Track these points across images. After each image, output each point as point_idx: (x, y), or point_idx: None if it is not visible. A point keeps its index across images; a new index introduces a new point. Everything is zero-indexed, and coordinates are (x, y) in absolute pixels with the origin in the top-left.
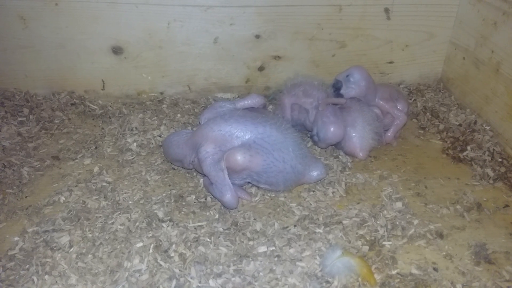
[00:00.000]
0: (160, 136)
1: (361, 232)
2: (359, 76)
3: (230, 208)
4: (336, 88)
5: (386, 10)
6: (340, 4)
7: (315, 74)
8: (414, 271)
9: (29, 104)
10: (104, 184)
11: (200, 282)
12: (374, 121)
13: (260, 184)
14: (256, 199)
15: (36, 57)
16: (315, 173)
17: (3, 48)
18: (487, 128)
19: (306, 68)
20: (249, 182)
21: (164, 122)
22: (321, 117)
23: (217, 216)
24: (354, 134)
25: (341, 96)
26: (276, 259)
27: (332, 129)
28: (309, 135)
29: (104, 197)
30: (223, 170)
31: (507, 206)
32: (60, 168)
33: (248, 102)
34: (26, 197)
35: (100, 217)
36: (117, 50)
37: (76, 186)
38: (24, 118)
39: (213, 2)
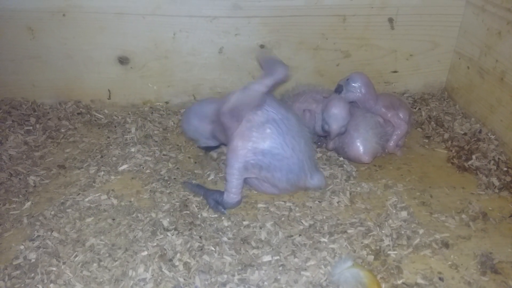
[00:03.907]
0: None
1: (366, 241)
2: (359, 81)
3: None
4: (337, 92)
5: (390, 20)
6: (344, 14)
7: (320, 84)
8: (420, 280)
9: (36, 113)
10: (110, 193)
11: None
12: (377, 126)
13: (262, 172)
14: (261, 206)
15: (43, 67)
16: (315, 179)
17: (11, 58)
18: (492, 137)
19: (310, 77)
20: (249, 185)
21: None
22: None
23: (222, 225)
24: (357, 138)
25: None
26: (280, 268)
27: (333, 105)
28: (319, 141)
29: (110, 206)
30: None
31: None
32: (66, 177)
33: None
34: (32, 205)
35: (105, 225)
36: (123, 60)
37: (82, 194)
38: (31, 127)
39: (218, 13)
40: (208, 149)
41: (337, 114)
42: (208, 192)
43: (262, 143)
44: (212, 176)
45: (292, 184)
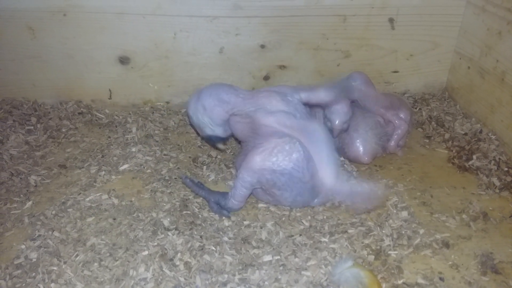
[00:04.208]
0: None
1: (366, 241)
2: (358, 79)
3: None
4: None
5: (391, 20)
6: (344, 14)
7: (320, 84)
8: (420, 280)
9: (37, 113)
10: (111, 192)
11: None
12: (377, 127)
13: (273, 188)
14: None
15: (44, 67)
16: (318, 200)
17: (12, 58)
18: (493, 137)
19: (311, 77)
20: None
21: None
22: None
23: (222, 224)
24: (357, 138)
25: None
26: (281, 268)
27: (337, 101)
28: None
29: (111, 206)
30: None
31: None
32: (67, 177)
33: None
34: (33, 205)
35: (106, 225)
36: (124, 60)
37: (83, 194)
38: (32, 127)
39: (218, 12)
40: (212, 140)
41: (338, 109)
42: (210, 194)
43: (285, 163)
44: (212, 177)
45: (295, 205)
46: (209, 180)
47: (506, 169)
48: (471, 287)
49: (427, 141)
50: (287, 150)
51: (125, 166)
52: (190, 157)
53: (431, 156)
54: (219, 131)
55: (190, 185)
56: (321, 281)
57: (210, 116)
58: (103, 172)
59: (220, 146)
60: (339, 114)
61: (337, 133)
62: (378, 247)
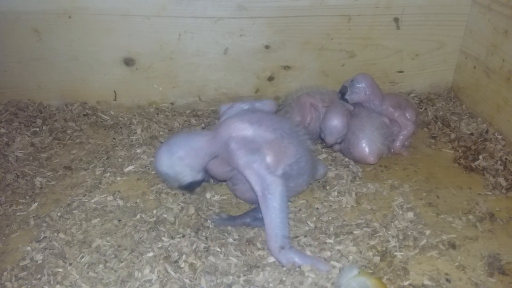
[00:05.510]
0: None
1: (372, 242)
2: (363, 82)
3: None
4: (342, 94)
5: (396, 20)
6: (349, 14)
7: (325, 84)
8: (427, 282)
9: (42, 115)
10: (116, 194)
11: None
12: (382, 127)
13: (291, 181)
14: None
15: (49, 68)
16: (321, 169)
17: (17, 60)
18: (499, 137)
19: (315, 78)
20: None
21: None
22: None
23: (227, 226)
24: (362, 138)
25: (346, 101)
26: (285, 269)
27: (330, 118)
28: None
29: (116, 207)
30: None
31: None
32: (72, 178)
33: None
34: (39, 207)
35: (111, 227)
36: (129, 62)
37: (88, 196)
38: (37, 129)
39: (223, 13)
40: (192, 186)
41: (332, 128)
42: (244, 217)
43: (288, 159)
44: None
45: (311, 180)
46: (212, 182)
47: None
48: None
49: (433, 141)
50: (281, 144)
51: (130, 167)
52: None
53: (437, 157)
54: (199, 176)
55: (224, 223)
56: (325, 283)
57: (190, 165)
58: (108, 174)
59: (198, 190)
60: (331, 134)
61: (329, 146)
62: (384, 248)
